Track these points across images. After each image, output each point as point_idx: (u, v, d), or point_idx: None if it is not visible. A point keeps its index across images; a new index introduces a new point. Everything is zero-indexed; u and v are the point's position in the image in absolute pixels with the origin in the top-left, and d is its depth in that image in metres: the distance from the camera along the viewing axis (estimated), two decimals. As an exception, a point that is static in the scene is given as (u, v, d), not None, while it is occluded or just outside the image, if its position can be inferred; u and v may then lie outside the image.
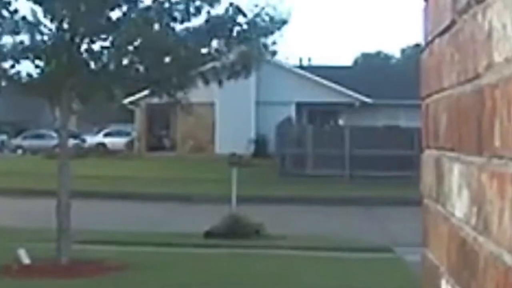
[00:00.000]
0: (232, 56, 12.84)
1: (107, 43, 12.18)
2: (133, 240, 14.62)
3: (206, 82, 12.99)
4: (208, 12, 12.24)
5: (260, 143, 37.11)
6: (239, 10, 12.40)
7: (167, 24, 12.10)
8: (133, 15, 11.91)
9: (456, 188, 1.37)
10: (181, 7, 12.04)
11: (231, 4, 12.34)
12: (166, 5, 12.02)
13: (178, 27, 12.29)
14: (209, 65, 13.15)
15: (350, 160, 28.43)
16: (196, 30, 12.28)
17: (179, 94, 13.32)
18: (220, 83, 12.99)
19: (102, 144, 43.83)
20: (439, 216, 1.55)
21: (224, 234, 14.80)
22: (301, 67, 43.58)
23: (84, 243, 13.21)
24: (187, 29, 12.32)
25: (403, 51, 73.47)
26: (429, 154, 1.70)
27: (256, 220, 15.47)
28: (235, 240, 14.38)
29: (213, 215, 15.92)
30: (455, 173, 1.38)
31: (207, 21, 12.24)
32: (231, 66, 12.78)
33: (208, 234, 15.05)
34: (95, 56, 12.23)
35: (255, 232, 15.13)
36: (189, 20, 12.16)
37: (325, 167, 28.18)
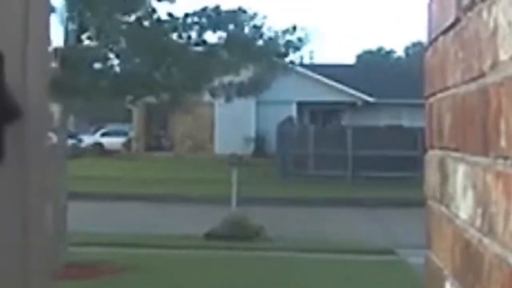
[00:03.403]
0: (243, 74, 12.75)
1: (111, 45, 12.20)
2: (130, 242, 14.57)
3: (213, 95, 12.93)
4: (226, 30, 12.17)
5: (260, 143, 37.07)
6: (255, 27, 12.37)
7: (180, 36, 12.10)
8: (145, 24, 11.92)
9: (460, 189, 1.36)
10: (194, 28, 12.01)
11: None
12: (180, 22, 12.00)
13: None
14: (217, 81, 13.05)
15: (352, 161, 28.42)
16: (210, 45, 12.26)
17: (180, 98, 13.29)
18: (228, 99, 12.92)
19: (99, 144, 43.70)
20: (443, 218, 1.54)
21: (224, 236, 14.80)
22: (302, 65, 43.52)
23: (80, 245, 13.13)
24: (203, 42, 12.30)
25: (406, 49, 73.40)
26: (433, 155, 1.69)
27: (256, 222, 15.48)
28: (235, 242, 14.38)
29: (213, 216, 15.93)
30: (459, 173, 1.37)
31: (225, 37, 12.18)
32: (240, 84, 12.70)
33: (208, 236, 15.05)
34: (100, 57, 12.24)
35: (255, 234, 15.12)
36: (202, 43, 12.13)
37: (326, 168, 28.17)
